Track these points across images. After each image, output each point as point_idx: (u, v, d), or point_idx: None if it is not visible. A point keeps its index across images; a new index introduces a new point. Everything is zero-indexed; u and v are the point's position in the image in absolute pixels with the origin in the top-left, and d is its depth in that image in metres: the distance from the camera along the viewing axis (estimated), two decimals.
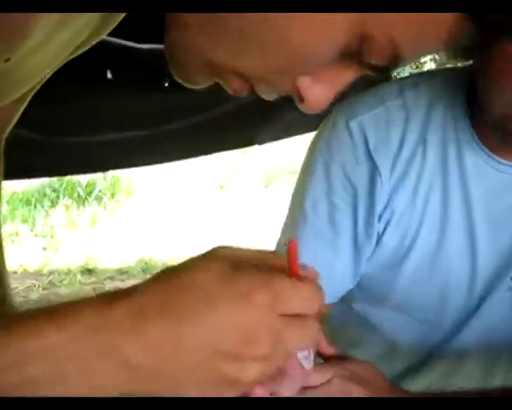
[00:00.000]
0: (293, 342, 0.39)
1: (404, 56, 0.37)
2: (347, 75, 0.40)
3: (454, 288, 0.76)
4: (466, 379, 0.83)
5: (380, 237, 0.76)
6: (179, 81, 0.44)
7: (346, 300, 0.84)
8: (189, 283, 0.37)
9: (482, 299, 0.76)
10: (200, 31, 0.38)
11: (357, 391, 0.59)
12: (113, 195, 3.95)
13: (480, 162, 0.71)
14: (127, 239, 3.45)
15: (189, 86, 0.44)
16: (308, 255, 0.77)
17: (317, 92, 0.40)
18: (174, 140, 2.08)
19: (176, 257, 3.32)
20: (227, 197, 4.34)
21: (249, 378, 0.37)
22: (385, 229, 0.75)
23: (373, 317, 0.85)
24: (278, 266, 0.41)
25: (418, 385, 0.85)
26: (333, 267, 0.78)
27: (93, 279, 2.98)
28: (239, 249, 0.41)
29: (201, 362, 0.36)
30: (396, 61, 0.38)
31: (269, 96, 0.43)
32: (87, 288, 2.89)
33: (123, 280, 3.01)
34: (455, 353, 0.80)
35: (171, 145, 2.14)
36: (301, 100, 0.41)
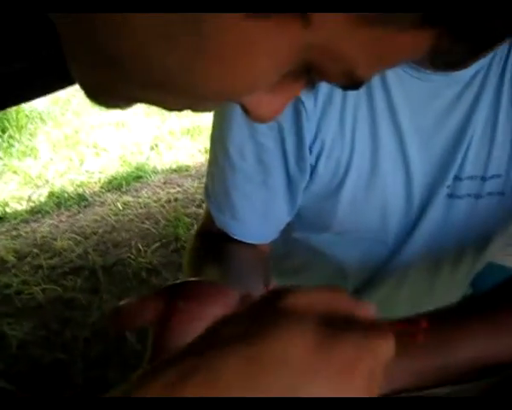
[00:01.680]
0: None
1: (366, 75, 0.31)
2: (301, 85, 0.34)
3: (392, 205, 0.76)
4: (413, 288, 0.86)
5: (313, 169, 0.74)
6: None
7: (286, 230, 0.82)
8: (277, 358, 0.31)
9: (421, 210, 0.76)
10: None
11: None
12: (3, 130, 3.68)
13: (402, 74, 0.69)
14: (31, 176, 3.27)
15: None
16: (243, 201, 0.75)
17: (265, 106, 0.33)
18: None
19: (86, 182, 3.21)
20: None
21: None
22: (317, 160, 0.73)
23: (316, 243, 0.84)
24: (360, 315, 0.37)
25: (372, 299, 0.88)
26: (269, 207, 0.76)
27: (6, 227, 2.83)
28: (311, 297, 0.36)
29: None
30: (358, 79, 0.31)
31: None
32: (1, 237, 2.75)
33: (37, 221, 2.87)
34: (401, 266, 0.82)
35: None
36: (247, 112, 0.35)
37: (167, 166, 3.45)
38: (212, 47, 0.27)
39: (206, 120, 3.63)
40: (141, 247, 2.54)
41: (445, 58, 0.63)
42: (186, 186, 3.18)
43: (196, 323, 0.47)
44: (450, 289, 0.90)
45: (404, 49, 0.29)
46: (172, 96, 0.31)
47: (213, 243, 0.77)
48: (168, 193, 3.10)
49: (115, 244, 2.59)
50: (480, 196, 0.75)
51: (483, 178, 0.74)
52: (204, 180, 2.93)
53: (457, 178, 0.74)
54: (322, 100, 0.69)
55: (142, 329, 1.66)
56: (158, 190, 3.17)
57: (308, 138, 0.71)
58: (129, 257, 2.46)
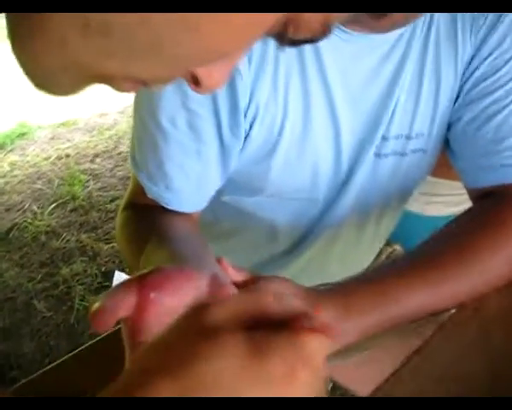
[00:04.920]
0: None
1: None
2: (250, 47, 0.34)
3: (323, 165, 0.78)
4: (342, 244, 0.90)
5: (247, 134, 0.74)
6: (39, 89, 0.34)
7: (215, 194, 0.82)
8: (213, 383, 0.32)
9: (351, 169, 0.79)
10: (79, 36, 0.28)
11: None
12: None
13: (332, 37, 0.70)
14: None
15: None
16: (177, 170, 0.74)
17: (216, 75, 0.34)
18: None
19: None
20: None
21: None
22: (252, 125, 0.73)
23: (246, 205, 0.85)
24: (292, 314, 0.38)
25: (303, 258, 0.91)
26: (203, 176, 0.75)
27: None
28: (233, 307, 0.37)
29: None
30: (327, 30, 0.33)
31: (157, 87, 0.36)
32: None
33: None
34: (331, 224, 0.86)
35: None
36: (196, 84, 0.35)
37: (53, 121, 3.28)
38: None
39: None
40: (36, 209, 2.43)
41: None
42: (76, 141, 3.05)
43: (172, 313, 0.47)
44: (374, 242, 0.95)
45: None
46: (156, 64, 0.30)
47: (149, 217, 0.76)
48: (58, 149, 2.96)
49: (8, 208, 2.45)
50: (404, 154, 0.79)
51: (408, 137, 0.78)
52: (95, 132, 2.82)
53: (384, 138, 0.77)
54: (255, 62, 0.68)
55: (49, 295, 1.59)
56: (46, 146, 3.01)
57: (243, 103, 0.70)
58: (25, 221, 2.35)
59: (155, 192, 0.75)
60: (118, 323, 0.47)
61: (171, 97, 0.69)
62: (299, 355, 0.34)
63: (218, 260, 0.62)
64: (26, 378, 1.03)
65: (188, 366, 0.32)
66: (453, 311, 0.69)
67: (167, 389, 0.31)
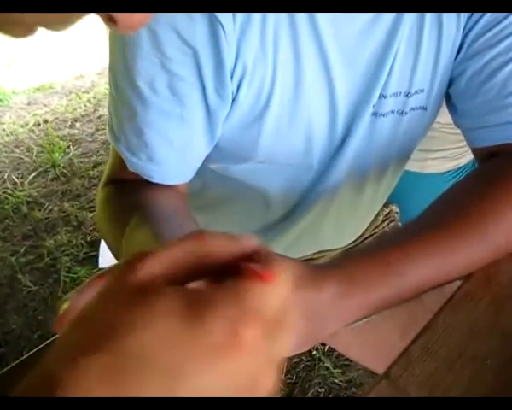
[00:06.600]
0: (284, 352, 0.31)
1: None
2: None
3: (317, 128, 0.72)
4: (338, 211, 0.85)
5: (235, 97, 0.68)
6: None
7: (203, 162, 0.77)
8: (142, 356, 0.26)
9: (346, 131, 0.74)
10: None
11: None
12: None
13: None
14: None
15: None
16: (159, 139, 0.68)
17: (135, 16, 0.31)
18: None
19: None
20: None
21: None
22: (239, 87, 0.67)
23: (237, 173, 0.80)
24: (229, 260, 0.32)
25: (297, 226, 0.86)
26: (188, 144, 0.69)
27: None
28: (169, 255, 0.31)
29: None
30: None
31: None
32: None
33: None
34: (327, 190, 0.81)
35: None
36: (113, 22, 0.31)
37: (28, 85, 3.16)
38: None
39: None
40: (16, 179, 2.35)
41: None
42: (54, 106, 2.94)
43: None
44: (372, 206, 0.90)
45: None
46: None
47: (130, 193, 0.70)
48: (35, 115, 2.86)
49: None
50: (403, 113, 0.74)
51: (407, 94, 0.72)
52: (72, 96, 2.71)
53: (382, 96, 0.71)
54: (240, 18, 0.62)
55: (34, 268, 1.54)
56: (23, 112, 2.91)
57: (228, 63, 0.64)
58: (4, 192, 2.27)
59: (137, 165, 0.70)
60: None
61: (148, 59, 0.63)
62: (242, 311, 0.28)
63: None
64: (16, 358, 0.99)
65: (115, 338, 0.27)
66: (461, 281, 0.64)
67: (96, 368, 0.26)
